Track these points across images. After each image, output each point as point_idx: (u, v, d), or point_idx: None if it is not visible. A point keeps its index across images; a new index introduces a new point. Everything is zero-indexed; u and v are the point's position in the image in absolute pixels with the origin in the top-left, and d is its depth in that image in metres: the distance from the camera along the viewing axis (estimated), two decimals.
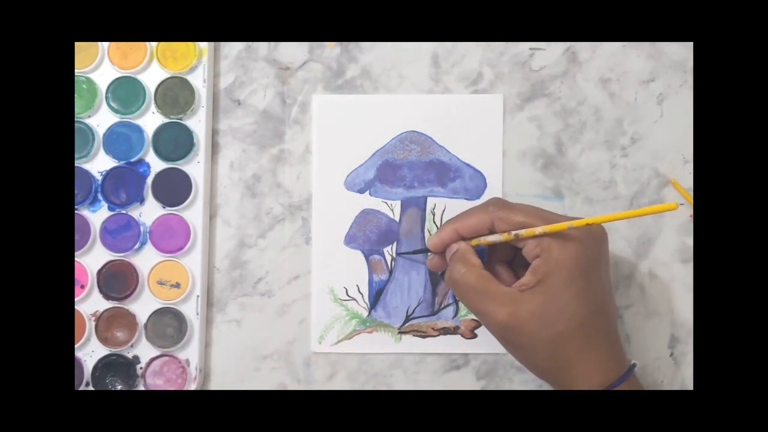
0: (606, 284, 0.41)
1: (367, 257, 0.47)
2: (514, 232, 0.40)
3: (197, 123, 0.47)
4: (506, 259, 0.44)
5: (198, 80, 0.47)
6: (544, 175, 0.48)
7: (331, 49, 0.48)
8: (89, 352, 0.46)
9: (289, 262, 0.48)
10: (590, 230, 0.39)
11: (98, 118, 0.47)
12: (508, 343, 0.41)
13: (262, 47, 0.48)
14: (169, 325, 0.46)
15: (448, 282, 0.42)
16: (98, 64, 0.47)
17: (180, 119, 0.47)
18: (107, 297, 0.46)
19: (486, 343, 0.47)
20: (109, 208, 0.47)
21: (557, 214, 0.41)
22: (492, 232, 0.41)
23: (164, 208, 0.46)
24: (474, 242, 0.42)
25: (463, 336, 0.47)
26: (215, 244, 0.48)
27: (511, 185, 0.47)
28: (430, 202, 0.47)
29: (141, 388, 0.46)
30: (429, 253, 0.44)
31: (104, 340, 0.46)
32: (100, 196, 0.47)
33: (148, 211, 0.47)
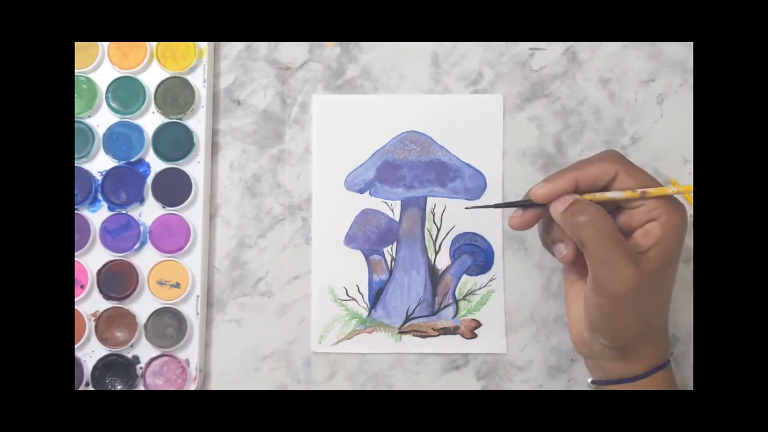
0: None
1: (367, 257, 0.47)
2: (640, 190, 0.36)
3: (197, 123, 0.47)
4: (561, 240, 0.39)
5: (198, 80, 0.47)
6: (544, 175, 0.47)
7: (331, 49, 0.48)
8: (89, 352, 0.46)
9: (289, 262, 0.48)
10: (686, 216, 0.38)
11: (98, 118, 0.47)
12: (616, 302, 0.37)
13: (262, 47, 0.48)
14: (169, 325, 0.46)
15: (576, 225, 0.36)
16: (98, 64, 0.47)
17: (180, 119, 0.47)
18: (107, 297, 0.46)
19: (486, 343, 0.47)
20: (109, 208, 0.47)
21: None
22: (604, 189, 0.37)
23: (164, 208, 0.46)
24: (588, 197, 0.37)
25: (463, 336, 0.47)
26: (215, 244, 0.48)
27: (511, 185, 0.47)
28: (430, 202, 0.47)
29: (141, 388, 0.46)
30: (518, 209, 0.39)
31: (104, 340, 0.46)
32: (100, 196, 0.47)
33: (148, 211, 0.47)
